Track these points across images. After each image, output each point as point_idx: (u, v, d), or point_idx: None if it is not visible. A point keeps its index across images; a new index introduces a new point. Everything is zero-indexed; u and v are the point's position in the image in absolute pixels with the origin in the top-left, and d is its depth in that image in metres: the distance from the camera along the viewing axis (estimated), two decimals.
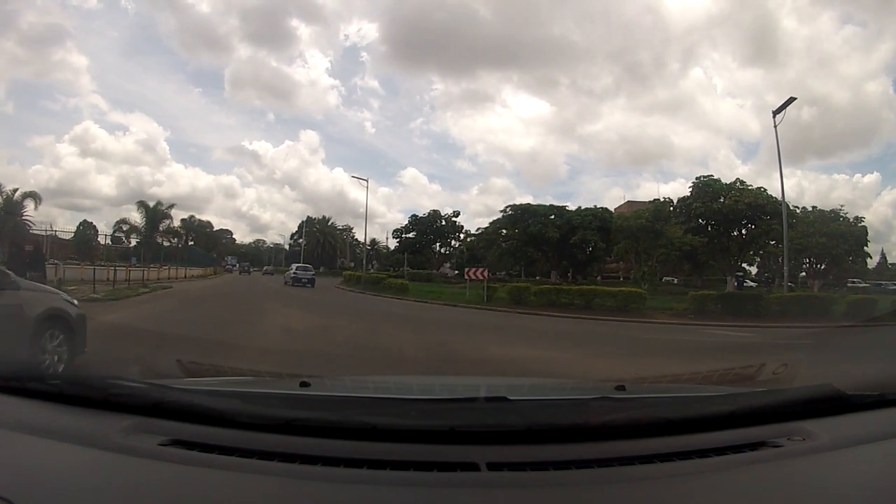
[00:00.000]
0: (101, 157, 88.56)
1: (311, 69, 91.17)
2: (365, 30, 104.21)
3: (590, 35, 77.05)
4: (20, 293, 4.75)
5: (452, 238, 50.64)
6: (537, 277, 42.33)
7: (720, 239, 28.14)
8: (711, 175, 29.22)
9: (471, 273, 22.68)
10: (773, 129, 20.26)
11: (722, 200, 27.02)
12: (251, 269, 56.58)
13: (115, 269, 20.15)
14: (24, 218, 38.57)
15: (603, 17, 76.97)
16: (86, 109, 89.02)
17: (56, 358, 4.72)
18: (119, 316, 10.22)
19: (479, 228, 47.68)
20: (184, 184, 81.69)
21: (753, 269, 42.33)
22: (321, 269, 58.25)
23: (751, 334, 12.40)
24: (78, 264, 24.85)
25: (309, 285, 28.02)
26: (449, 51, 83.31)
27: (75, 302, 5.57)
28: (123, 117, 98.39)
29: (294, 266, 33.68)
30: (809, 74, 66.91)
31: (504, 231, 42.20)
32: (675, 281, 40.41)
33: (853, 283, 39.41)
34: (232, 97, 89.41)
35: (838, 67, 67.98)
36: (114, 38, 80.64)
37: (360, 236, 63.04)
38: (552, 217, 39.04)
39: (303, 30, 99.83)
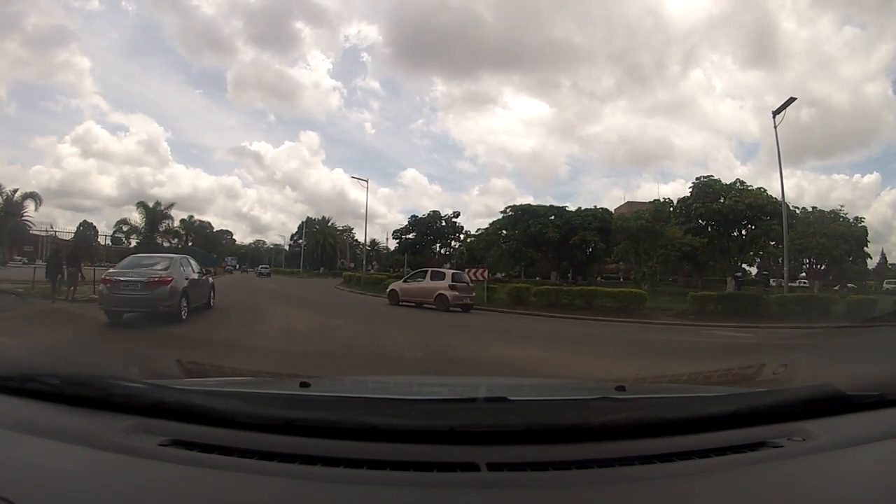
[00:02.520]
0: (103, 158, 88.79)
1: (314, 71, 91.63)
2: (367, 32, 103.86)
3: (591, 38, 77.24)
4: (207, 277, 12.82)
5: (452, 239, 50.63)
6: (537, 278, 42.30)
7: (720, 239, 28.20)
8: (711, 175, 29.32)
9: (471, 273, 22.66)
10: (773, 129, 20.33)
11: (722, 201, 27.08)
12: (249, 270, 60.25)
13: None
14: (24, 218, 38.57)
15: (604, 20, 77.19)
16: (88, 110, 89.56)
17: (211, 300, 12.50)
18: None
19: (479, 229, 47.74)
20: (185, 184, 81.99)
21: (753, 270, 42.29)
22: (321, 270, 58.50)
23: (751, 335, 12.40)
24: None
25: (268, 277, 45.04)
26: (451, 53, 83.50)
27: (213, 280, 13.74)
28: (125, 118, 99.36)
29: (260, 266, 56.48)
30: (809, 76, 66.99)
31: (504, 232, 42.21)
32: (679, 281, 40.30)
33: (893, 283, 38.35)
34: (234, 98, 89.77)
35: (838, 69, 68.05)
36: (117, 39, 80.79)
37: (360, 237, 63.07)
38: (552, 217, 39.03)
39: (306, 32, 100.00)
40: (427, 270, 19.49)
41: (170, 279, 9.87)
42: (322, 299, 21.44)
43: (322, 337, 9.34)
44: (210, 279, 13.06)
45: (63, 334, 7.79)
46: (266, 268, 52.68)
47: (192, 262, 12.08)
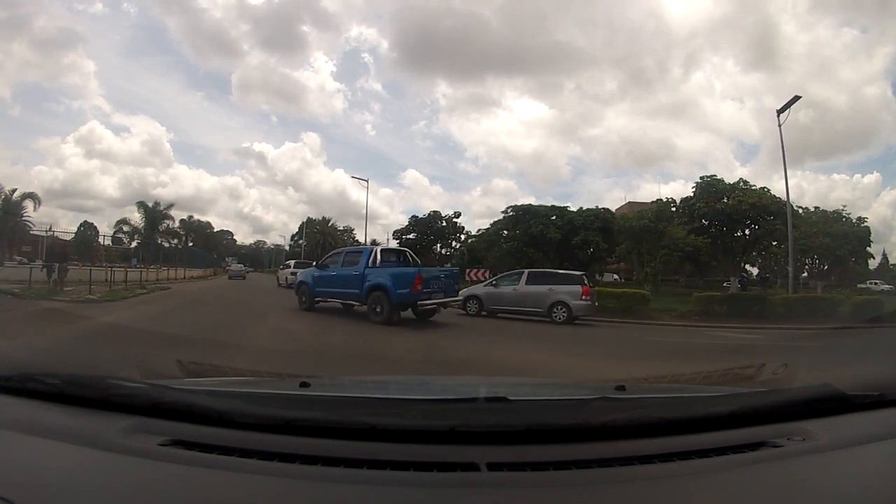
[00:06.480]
0: (106, 159, 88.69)
1: (317, 73, 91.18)
2: (372, 36, 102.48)
3: (594, 41, 77.02)
4: (247, 271, 47.43)
5: (453, 239, 50.61)
6: None
7: (724, 239, 28.07)
8: (714, 175, 29.22)
9: (471, 274, 22.68)
10: (775, 130, 20.19)
11: (725, 201, 26.94)
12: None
13: (112, 270, 20.13)
14: (23, 219, 38.70)
15: (607, 24, 76.94)
16: (91, 111, 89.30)
17: (245, 277, 39.17)
18: (115, 317, 10.23)
19: (480, 229, 47.69)
20: (188, 185, 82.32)
21: (755, 270, 42.14)
22: None
23: (756, 336, 12.34)
24: (77, 265, 24.91)
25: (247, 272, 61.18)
26: (455, 57, 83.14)
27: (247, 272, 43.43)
28: (128, 119, 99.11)
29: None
30: (809, 78, 66.56)
31: (505, 232, 42.16)
32: (681, 281, 40.13)
33: None
34: (238, 100, 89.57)
35: (838, 71, 67.69)
36: (122, 42, 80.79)
37: (361, 237, 63.04)
38: (553, 218, 38.94)
39: (311, 35, 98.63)
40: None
41: (243, 270, 41.22)
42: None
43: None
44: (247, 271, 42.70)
45: (62, 334, 7.79)
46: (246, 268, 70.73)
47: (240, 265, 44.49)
